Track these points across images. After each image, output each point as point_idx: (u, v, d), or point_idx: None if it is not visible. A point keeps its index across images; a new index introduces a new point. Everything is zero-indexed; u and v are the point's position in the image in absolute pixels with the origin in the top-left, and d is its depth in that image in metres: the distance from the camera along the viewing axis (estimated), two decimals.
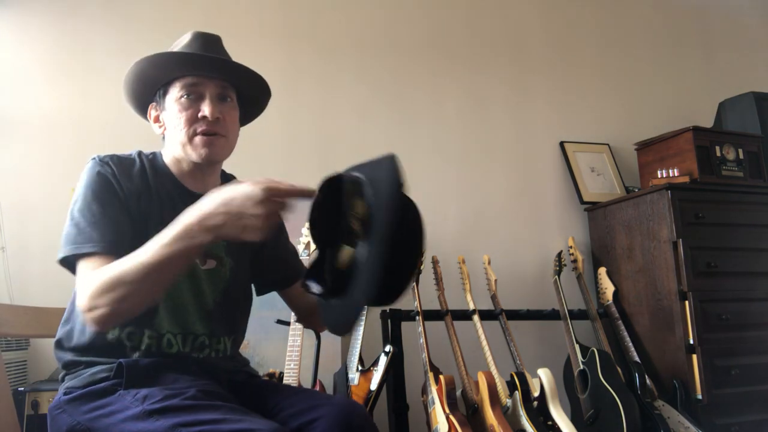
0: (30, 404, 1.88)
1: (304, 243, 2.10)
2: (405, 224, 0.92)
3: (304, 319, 1.45)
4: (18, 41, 2.39)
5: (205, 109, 1.16)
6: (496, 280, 2.50)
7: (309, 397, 1.20)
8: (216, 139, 1.18)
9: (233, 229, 0.92)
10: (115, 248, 1.05)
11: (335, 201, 0.94)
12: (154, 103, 1.24)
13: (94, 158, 1.15)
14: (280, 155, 2.58)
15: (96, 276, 1.00)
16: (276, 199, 0.91)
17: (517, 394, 2.11)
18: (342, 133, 2.70)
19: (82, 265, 1.06)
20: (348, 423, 1.10)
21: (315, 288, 0.96)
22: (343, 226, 0.92)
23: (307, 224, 1.00)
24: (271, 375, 2.08)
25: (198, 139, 1.17)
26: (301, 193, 0.93)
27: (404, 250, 0.93)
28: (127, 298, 0.98)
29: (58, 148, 2.34)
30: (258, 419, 0.97)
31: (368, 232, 0.89)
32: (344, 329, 1.02)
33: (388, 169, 0.92)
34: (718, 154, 2.61)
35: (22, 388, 1.91)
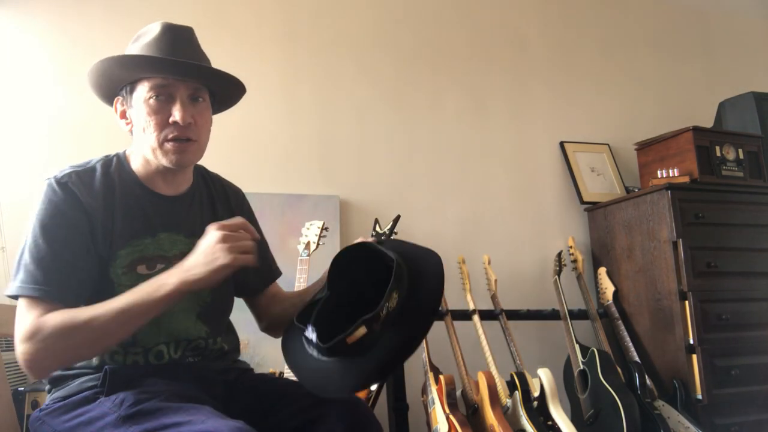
0: (30, 404, 1.88)
1: (303, 243, 2.10)
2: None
3: (270, 329, 1.41)
4: (19, 41, 2.39)
5: (176, 114, 1.10)
6: (496, 280, 2.50)
7: (310, 393, 1.19)
8: (188, 145, 1.13)
9: (210, 272, 0.98)
10: (59, 294, 1.02)
11: (358, 262, 1.02)
12: (120, 98, 1.18)
13: (49, 179, 1.09)
14: (280, 155, 2.57)
15: (47, 321, 0.97)
16: (232, 232, 1.01)
17: (517, 394, 2.11)
18: (342, 133, 2.70)
19: (23, 306, 1.01)
20: (355, 420, 1.09)
21: (311, 335, 1.01)
22: (370, 307, 0.96)
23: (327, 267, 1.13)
24: (271, 375, 2.08)
25: (169, 145, 1.12)
26: (250, 230, 1.06)
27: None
28: (85, 344, 0.98)
29: (59, 148, 2.34)
30: (223, 420, 0.94)
31: (395, 324, 0.96)
32: (327, 394, 1.03)
33: (435, 275, 1.04)
34: (718, 154, 2.61)
35: (22, 388, 1.91)
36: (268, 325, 1.40)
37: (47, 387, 1.15)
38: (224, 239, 0.99)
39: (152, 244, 1.15)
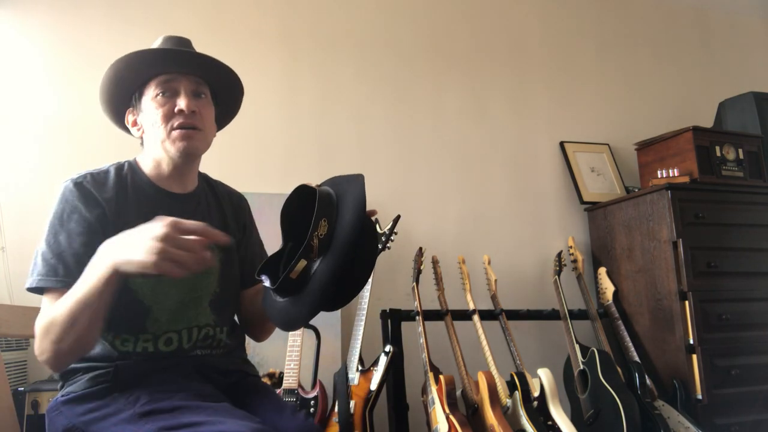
0: (30, 404, 1.88)
1: None
2: (361, 245, 1.01)
3: (246, 323, 1.38)
4: (18, 41, 2.39)
5: (181, 103, 1.18)
6: (496, 280, 2.50)
7: (276, 408, 1.19)
8: (194, 132, 1.19)
9: (136, 262, 0.89)
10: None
11: (307, 207, 1.03)
12: (131, 108, 1.26)
13: (66, 182, 1.15)
14: (281, 155, 2.57)
15: (39, 319, 1.02)
16: (177, 236, 0.89)
17: (517, 394, 2.11)
18: (342, 133, 2.70)
19: (44, 300, 1.07)
20: None
21: (266, 282, 1.07)
22: (305, 240, 1.00)
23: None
24: (272, 375, 2.08)
25: (176, 133, 1.18)
26: (211, 236, 0.92)
27: (358, 267, 1.03)
28: (62, 339, 0.98)
29: (59, 148, 2.34)
30: (240, 421, 0.96)
31: (325, 253, 0.99)
32: (288, 328, 1.12)
33: (354, 193, 1.02)
34: (718, 154, 2.61)
35: (22, 388, 1.91)
36: (242, 320, 1.38)
37: (60, 383, 1.17)
38: (164, 239, 0.87)
39: None
